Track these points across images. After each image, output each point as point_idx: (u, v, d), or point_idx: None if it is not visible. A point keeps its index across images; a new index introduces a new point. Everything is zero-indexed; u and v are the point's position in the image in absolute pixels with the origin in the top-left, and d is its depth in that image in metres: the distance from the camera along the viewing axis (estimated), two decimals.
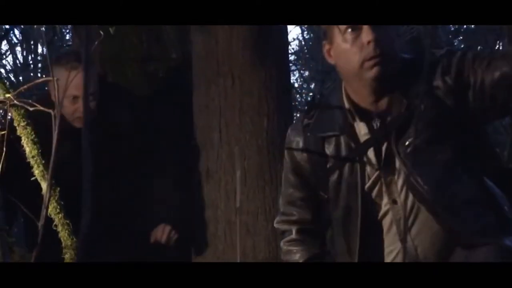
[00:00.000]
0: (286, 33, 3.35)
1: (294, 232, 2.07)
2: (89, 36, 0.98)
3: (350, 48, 1.80)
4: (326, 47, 1.88)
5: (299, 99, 7.59)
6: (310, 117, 2.00)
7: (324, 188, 1.97)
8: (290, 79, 3.53)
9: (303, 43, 8.15)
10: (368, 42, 1.77)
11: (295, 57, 8.14)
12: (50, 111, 1.78)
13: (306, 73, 8.09)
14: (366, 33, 1.77)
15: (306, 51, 8.07)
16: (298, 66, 8.14)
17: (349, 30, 1.79)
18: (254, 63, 3.06)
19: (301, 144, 1.99)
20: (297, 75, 8.13)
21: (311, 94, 7.74)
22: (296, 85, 7.89)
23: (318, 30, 7.40)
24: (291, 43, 8.09)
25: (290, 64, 6.18)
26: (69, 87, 2.54)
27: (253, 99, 3.04)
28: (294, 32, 11.65)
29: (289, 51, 5.51)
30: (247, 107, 3.04)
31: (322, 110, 1.97)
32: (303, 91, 8.14)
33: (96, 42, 1.66)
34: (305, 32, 7.95)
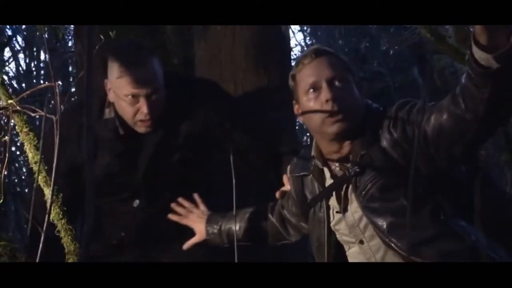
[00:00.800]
0: (288, 39, 3.35)
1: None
2: (91, 40, 0.98)
3: (312, 106, 1.95)
4: (296, 106, 2.04)
5: None
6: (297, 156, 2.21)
7: (306, 219, 2.14)
8: None
9: (305, 48, 8.16)
10: (327, 101, 1.91)
11: None
12: (52, 116, 1.78)
13: None
14: (325, 92, 1.92)
15: None
16: None
17: (311, 90, 1.95)
18: (256, 69, 3.07)
19: (291, 180, 2.17)
20: None
21: None
22: None
23: (321, 36, 7.41)
24: (293, 49, 8.12)
25: None
26: (126, 85, 2.31)
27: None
28: (296, 37, 11.68)
29: (291, 57, 5.51)
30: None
31: (305, 150, 2.17)
32: None
33: (96, 47, 1.66)
34: (308, 38, 7.97)
